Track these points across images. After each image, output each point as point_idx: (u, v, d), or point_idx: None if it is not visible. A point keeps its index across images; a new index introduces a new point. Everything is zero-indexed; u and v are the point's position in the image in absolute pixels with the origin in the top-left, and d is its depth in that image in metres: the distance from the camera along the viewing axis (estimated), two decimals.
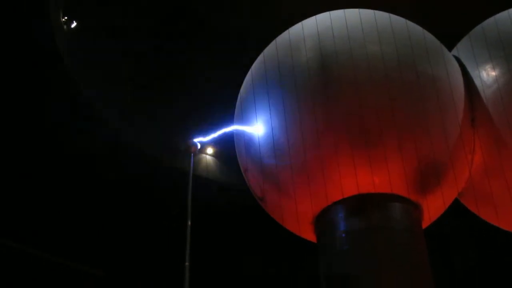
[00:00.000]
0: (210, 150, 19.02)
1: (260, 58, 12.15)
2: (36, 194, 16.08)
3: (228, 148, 13.80)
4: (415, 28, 11.71)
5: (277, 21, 12.46)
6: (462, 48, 12.40)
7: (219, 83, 16.33)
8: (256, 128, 11.66)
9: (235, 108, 12.87)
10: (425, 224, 11.77)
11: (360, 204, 11.01)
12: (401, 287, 10.36)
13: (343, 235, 11.01)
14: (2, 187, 15.13)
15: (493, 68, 11.54)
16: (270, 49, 12.04)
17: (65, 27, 15.45)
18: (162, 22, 16.84)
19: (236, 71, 12.91)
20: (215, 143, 17.44)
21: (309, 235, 12.17)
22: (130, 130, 17.20)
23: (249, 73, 12.29)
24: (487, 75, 11.60)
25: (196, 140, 14.17)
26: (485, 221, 12.92)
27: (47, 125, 15.83)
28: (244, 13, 16.34)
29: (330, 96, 10.84)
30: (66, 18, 15.46)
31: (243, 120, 12.18)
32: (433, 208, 11.65)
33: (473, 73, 11.82)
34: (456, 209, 12.50)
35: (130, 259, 17.80)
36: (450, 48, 12.36)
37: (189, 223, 12.83)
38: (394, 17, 11.71)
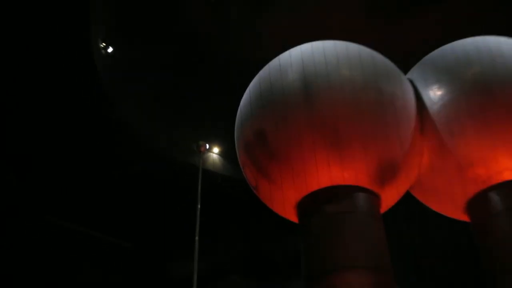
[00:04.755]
0: (216, 149, 20.91)
1: (256, 79, 14.27)
2: (78, 183, 18.35)
3: (231, 147, 15.69)
4: (379, 57, 13.95)
5: (269, 50, 14.66)
6: (414, 73, 14.50)
7: (226, 93, 18.02)
8: (253, 133, 13.66)
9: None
10: (382, 210, 13.78)
11: (332, 193, 12.89)
12: (364, 258, 12.19)
13: (318, 217, 12.88)
14: (48, 176, 17.41)
15: (439, 89, 13.55)
16: (264, 72, 14.15)
17: (103, 51, 17.42)
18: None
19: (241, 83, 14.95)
20: (220, 143, 19.51)
21: (293, 218, 14.12)
22: (152, 134, 19.34)
23: (247, 91, 14.36)
24: (434, 94, 13.58)
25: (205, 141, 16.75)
26: (429, 208, 15.11)
27: (78, 126, 18.19)
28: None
29: (310, 109, 12.86)
30: (104, 44, 17.36)
31: (242, 127, 14.23)
32: (389, 198, 13.71)
33: (423, 92, 13.82)
34: (407, 199, 14.63)
35: (155, 235, 20.03)
36: (405, 72, 14.56)
37: (199, 206, 15.51)
38: (362, 48, 14.00)
